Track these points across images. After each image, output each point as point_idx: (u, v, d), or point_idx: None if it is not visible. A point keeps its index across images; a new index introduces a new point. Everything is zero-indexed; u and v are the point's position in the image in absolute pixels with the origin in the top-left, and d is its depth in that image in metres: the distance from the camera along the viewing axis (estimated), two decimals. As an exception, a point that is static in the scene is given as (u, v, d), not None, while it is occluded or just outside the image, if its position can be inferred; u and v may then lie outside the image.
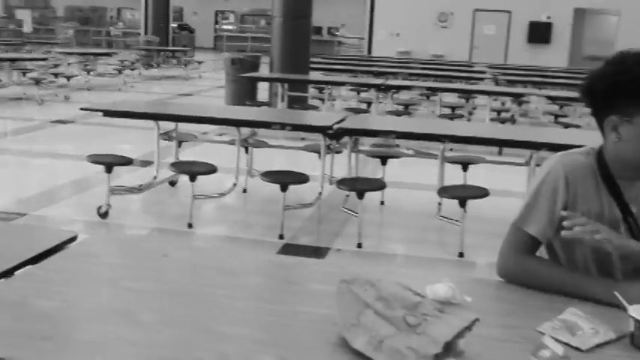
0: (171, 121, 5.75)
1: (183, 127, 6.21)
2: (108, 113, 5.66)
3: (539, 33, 18.88)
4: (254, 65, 11.21)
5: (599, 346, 1.63)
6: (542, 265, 2.01)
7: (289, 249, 4.73)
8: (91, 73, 14.92)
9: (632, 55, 1.84)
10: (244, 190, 5.97)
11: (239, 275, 2.02)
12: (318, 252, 4.78)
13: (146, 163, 6.56)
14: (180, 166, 5.14)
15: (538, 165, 5.07)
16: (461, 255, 4.68)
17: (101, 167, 5.19)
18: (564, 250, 2.04)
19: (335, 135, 5.09)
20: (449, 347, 1.49)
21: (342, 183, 4.93)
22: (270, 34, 10.94)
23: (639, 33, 18.10)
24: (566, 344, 1.60)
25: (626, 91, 1.83)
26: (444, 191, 4.80)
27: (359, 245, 4.80)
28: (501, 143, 5.40)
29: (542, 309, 1.81)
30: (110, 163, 5.20)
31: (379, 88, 9.30)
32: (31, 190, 6.11)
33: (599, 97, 1.90)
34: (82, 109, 5.74)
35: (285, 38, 10.51)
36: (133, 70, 16.31)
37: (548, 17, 18.81)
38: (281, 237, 4.88)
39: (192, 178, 4.99)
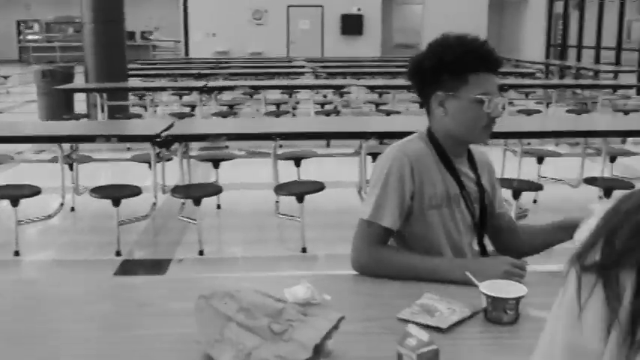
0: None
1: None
2: None
3: (352, 25, 19.54)
4: (67, 76, 10.63)
5: (457, 323, 1.69)
6: (397, 254, 2.06)
7: (128, 265, 4.54)
8: None
9: (454, 37, 2.01)
10: (72, 209, 5.65)
11: (82, 303, 1.88)
12: (158, 265, 4.62)
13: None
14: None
15: (370, 154, 5.25)
16: (304, 250, 4.71)
17: None
18: (418, 237, 2.09)
19: (164, 143, 4.93)
20: (318, 349, 1.47)
21: (177, 191, 4.80)
22: (81, 41, 10.41)
23: (442, 21, 19.21)
24: (426, 326, 1.64)
25: (451, 68, 1.97)
26: (281, 189, 4.81)
27: (200, 252, 4.70)
28: (332, 136, 5.50)
29: (400, 297, 1.84)
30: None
31: (201, 90, 9.16)
32: None
33: (428, 75, 2.03)
34: None
35: (98, 45, 10.03)
36: None
37: (359, 9, 19.51)
38: (118, 254, 4.67)
39: (15, 203, 4.64)
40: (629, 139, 7.25)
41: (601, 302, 0.84)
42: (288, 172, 5.53)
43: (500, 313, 1.71)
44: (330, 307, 1.71)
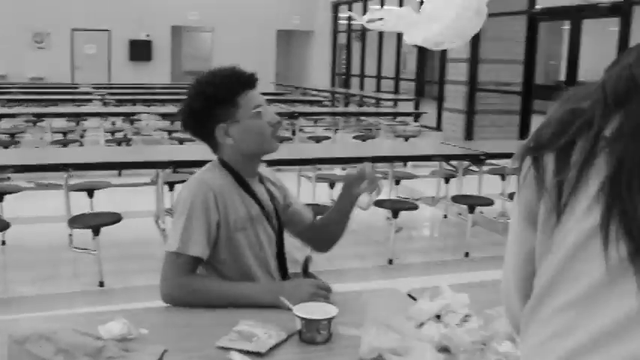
0: None
1: None
2: None
3: (140, 51, 19.17)
4: None
5: (275, 347, 1.76)
6: (210, 282, 2.10)
7: None
8: None
9: (206, 74, 2.19)
10: None
11: None
12: None
13: None
14: None
15: (167, 183, 5.21)
16: (101, 284, 4.56)
17: None
18: (228, 262, 2.15)
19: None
20: (142, 385, 1.46)
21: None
22: None
23: (231, 48, 19.51)
24: (246, 352, 1.69)
25: (220, 100, 2.12)
26: (75, 221, 4.61)
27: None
28: (128, 166, 5.36)
29: (216, 325, 1.87)
30: None
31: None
32: None
33: (201, 115, 2.14)
34: None
35: None
36: None
37: (148, 35, 19.19)
38: None
39: None
40: (410, 163, 7.85)
41: (533, 179, 1.04)
42: (79, 204, 5.31)
43: (313, 334, 1.80)
44: (149, 341, 1.70)
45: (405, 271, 5.10)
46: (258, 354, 1.70)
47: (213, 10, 19.47)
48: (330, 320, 1.81)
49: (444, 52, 14.07)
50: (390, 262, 5.19)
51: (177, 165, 5.04)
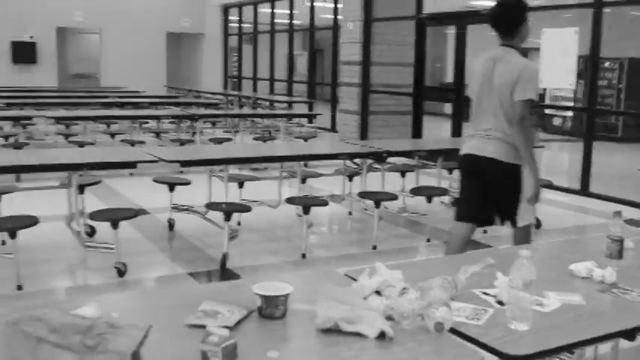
0: None
1: None
2: None
3: (25, 53, 18.51)
4: None
5: (238, 322, 1.95)
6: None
7: None
8: None
9: None
10: None
11: None
12: None
13: None
14: None
15: (82, 185, 5.23)
16: (19, 288, 4.54)
17: None
18: None
19: None
20: (135, 356, 1.62)
21: None
22: None
23: (120, 50, 19.19)
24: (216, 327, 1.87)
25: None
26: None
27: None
28: (46, 168, 5.28)
29: (179, 307, 2.04)
30: None
31: None
32: None
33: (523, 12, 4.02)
34: None
35: None
36: None
37: (31, 37, 18.56)
38: None
39: None
40: (309, 162, 8.12)
41: None
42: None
43: (272, 309, 2.01)
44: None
45: (318, 264, 5.35)
46: (225, 327, 1.88)
47: (100, 11, 19.08)
48: (286, 296, 2.02)
49: (336, 55, 14.50)
50: (304, 256, 5.42)
51: (92, 167, 5.08)
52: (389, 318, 1.99)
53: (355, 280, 2.29)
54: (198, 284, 4.75)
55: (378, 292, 2.16)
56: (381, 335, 1.89)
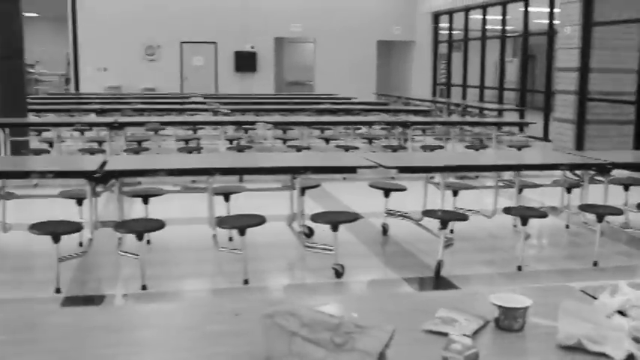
0: None
1: None
2: None
3: (245, 62, 19.80)
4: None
5: (475, 332, 1.94)
6: None
7: (74, 301, 4.51)
8: None
9: None
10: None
11: (129, 330, 2.00)
12: (102, 300, 4.62)
13: None
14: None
15: (303, 188, 5.48)
16: (246, 282, 4.85)
17: None
18: None
19: (102, 179, 4.95)
20: (381, 357, 1.67)
21: (121, 226, 4.82)
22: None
23: (333, 59, 19.89)
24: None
25: None
26: (223, 222, 4.94)
27: (143, 287, 4.74)
28: (262, 171, 5.65)
29: (414, 311, 2.08)
30: None
31: (112, 126, 9.09)
32: None
33: None
34: None
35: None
36: None
37: (252, 47, 19.81)
38: (58, 291, 4.63)
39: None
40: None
41: None
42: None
43: (511, 321, 1.98)
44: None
45: (533, 278, 5.18)
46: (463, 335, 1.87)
47: (316, 22, 19.88)
48: (526, 309, 1.98)
49: (550, 62, 13.95)
50: (519, 268, 5.27)
51: (315, 171, 5.31)
52: (636, 340, 1.89)
53: (594, 297, 2.19)
54: (415, 291, 4.80)
55: (621, 312, 2.06)
56: (630, 358, 1.79)
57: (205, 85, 19.30)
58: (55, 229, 4.62)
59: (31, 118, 10.55)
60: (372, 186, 6.23)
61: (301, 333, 1.72)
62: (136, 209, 6.15)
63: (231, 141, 10.28)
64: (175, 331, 2.02)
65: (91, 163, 5.52)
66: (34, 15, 23.81)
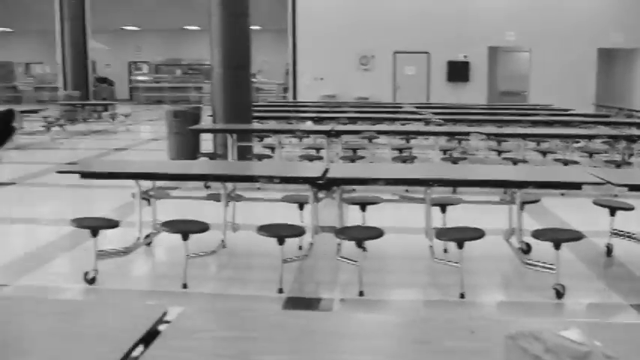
0: (153, 180, 5.67)
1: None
2: (85, 175, 5.54)
3: (458, 72, 19.68)
4: (195, 117, 11.18)
5: None
6: None
7: (294, 302, 4.73)
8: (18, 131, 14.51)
9: None
10: (223, 246, 5.91)
11: (363, 339, 2.04)
12: (320, 303, 4.80)
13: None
14: (173, 226, 5.07)
15: (524, 202, 5.32)
16: (462, 296, 4.79)
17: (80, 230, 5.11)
18: None
19: (325, 185, 5.14)
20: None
21: (342, 232, 4.98)
22: (187, 82, 10.92)
23: (549, 67, 19.14)
24: None
25: None
26: (442, 234, 4.92)
27: (360, 293, 4.85)
28: (479, 184, 5.57)
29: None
30: (96, 226, 5.08)
31: (329, 133, 9.43)
32: (6, 259, 5.87)
33: None
34: (58, 172, 5.58)
35: (226, 89, 10.54)
36: (61, 126, 15.91)
37: (465, 56, 19.64)
38: (280, 291, 4.87)
39: (185, 237, 4.93)
40: None
41: None
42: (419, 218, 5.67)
43: None
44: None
45: None
46: None
47: (532, 30, 19.26)
48: None
49: None
50: None
51: (538, 185, 5.14)
52: None
53: None
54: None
55: None
56: None
57: (417, 95, 19.43)
58: (281, 232, 4.87)
59: (255, 124, 11.24)
60: (596, 203, 5.90)
61: (545, 358, 1.66)
62: (352, 216, 6.32)
63: (444, 151, 10.24)
64: (410, 343, 2.04)
65: (312, 169, 5.77)
66: (258, 28, 25.36)
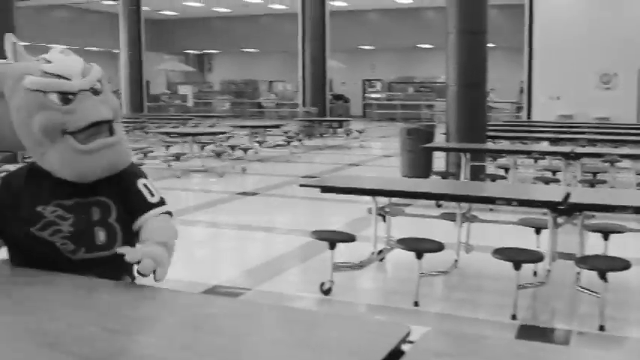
0: (389, 197, 5.79)
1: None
2: (325, 189, 5.79)
3: None
4: (429, 135, 11.23)
5: None
6: None
7: (528, 330, 4.57)
8: (262, 144, 15.57)
9: None
10: (456, 267, 5.86)
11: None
12: (553, 334, 4.58)
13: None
14: (407, 243, 5.13)
15: None
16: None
17: (315, 241, 5.35)
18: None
19: (567, 210, 4.91)
20: None
21: (584, 261, 4.72)
22: (419, 100, 10.91)
23: None
24: None
25: None
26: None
27: (601, 328, 4.55)
28: None
29: None
30: (334, 239, 5.28)
31: (568, 155, 8.99)
32: (249, 264, 6.31)
33: None
34: (301, 185, 5.89)
35: (461, 107, 10.46)
36: (299, 140, 16.82)
37: None
38: (514, 317, 4.72)
39: (420, 255, 4.96)
40: None
41: None
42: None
43: None
44: None
45: None
46: None
47: None
48: None
49: None
50: None
51: None
52: None
53: None
54: None
55: None
56: None
57: (666, 116, 17.91)
58: (518, 257, 4.72)
59: (488, 144, 11.03)
60: None
61: None
62: (591, 244, 5.97)
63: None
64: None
65: (551, 193, 5.54)
66: (491, 45, 24.95)
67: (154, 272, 2.05)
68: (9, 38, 2.21)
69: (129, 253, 2.06)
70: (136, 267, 2.08)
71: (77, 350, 1.63)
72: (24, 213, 2.17)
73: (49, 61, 2.13)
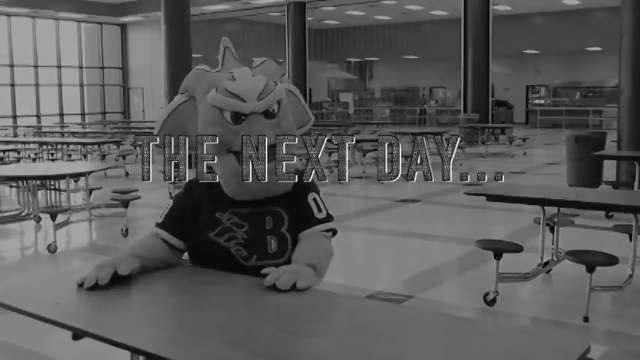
0: (558, 206, 5.56)
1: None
2: (491, 198, 5.65)
3: None
4: (599, 143, 10.66)
5: None
6: None
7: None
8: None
9: None
10: (630, 282, 5.52)
11: None
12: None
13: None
14: (578, 255, 4.90)
15: None
16: None
17: (476, 250, 5.25)
18: None
19: None
20: None
21: None
22: (585, 106, 10.32)
23: None
24: None
25: None
26: None
27: None
28: None
29: None
30: (501, 249, 5.15)
31: None
32: (411, 271, 6.30)
33: None
34: (466, 193, 5.80)
35: (635, 113, 9.86)
36: (461, 147, 16.57)
37: None
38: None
39: (591, 269, 4.73)
40: None
41: None
42: None
43: None
44: None
45: None
46: None
47: None
48: None
49: None
50: None
51: None
52: None
53: None
54: None
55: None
56: None
57: None
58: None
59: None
60: None
61: None
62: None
63: None
64: None
65: None
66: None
67: (294, 285, 2.06)
68: (223, 43, 2.36)
69: (271, 273, 2.11)
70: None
71: (255, 349, 1.71)
72: (204, 219, 2.29)
73: (234, 78, 2.24)
